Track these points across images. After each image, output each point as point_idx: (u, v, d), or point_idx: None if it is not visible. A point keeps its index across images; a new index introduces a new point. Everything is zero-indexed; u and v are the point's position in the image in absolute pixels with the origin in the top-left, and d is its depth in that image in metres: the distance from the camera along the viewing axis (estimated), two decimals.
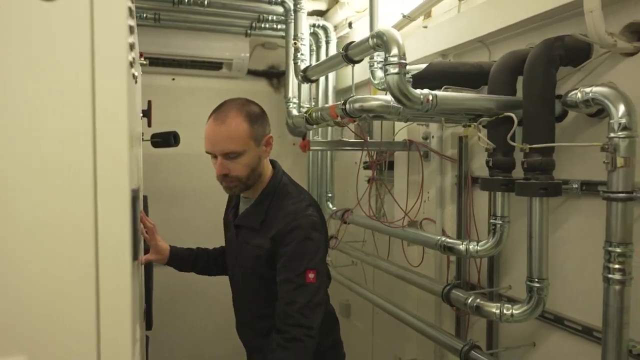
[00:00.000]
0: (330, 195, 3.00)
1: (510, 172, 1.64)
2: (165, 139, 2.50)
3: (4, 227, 0.64)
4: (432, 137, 2.24)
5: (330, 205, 2.97)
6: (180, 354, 3.49)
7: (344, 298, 3.25)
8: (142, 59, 2.45)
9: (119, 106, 0.71)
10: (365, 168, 2.70)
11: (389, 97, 1.61)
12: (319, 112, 2.00)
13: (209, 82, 3.61)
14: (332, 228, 2.90)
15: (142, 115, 2.41)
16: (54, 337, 0.68)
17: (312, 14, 3.05)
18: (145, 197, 2.45)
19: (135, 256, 0.79)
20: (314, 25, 2.86)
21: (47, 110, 0.66)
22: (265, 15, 2.82)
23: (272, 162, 1.67)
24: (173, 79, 3.54)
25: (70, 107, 0.68)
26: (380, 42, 1.50)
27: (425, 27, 2.28)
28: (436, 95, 1.47)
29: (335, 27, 3.04)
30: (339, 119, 1.83)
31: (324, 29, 2.90)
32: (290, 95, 2.50)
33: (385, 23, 2.25)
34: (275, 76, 3.74)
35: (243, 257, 1.62)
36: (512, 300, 1.76)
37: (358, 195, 2.55)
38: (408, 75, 1.79)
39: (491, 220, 1.68)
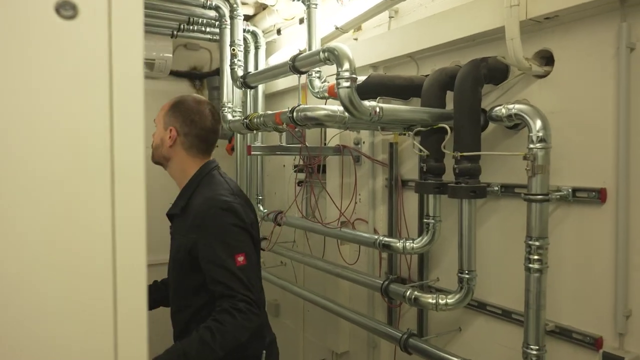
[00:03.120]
0: (260, 197, 3.05)
1: (441, 176, 1.83)
2: None
3: (17, 226, 0.65)
4: (363, 142, 2.40)
5: (262, 208, 3.03)
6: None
7: (272, 298, 3.32)
8: None
9: (137, 116, 0.74)
10: (298, 171, 2.81)
11: (334, 107, 1.73)
12: (261, 119, 2.06)
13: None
14: (265, 230, 2.97)
15: None
16: (70, 335, 0.69)
17: None
18: None
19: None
20: (244, 31, 2.89)
21: (66, 116, 0.67)
22: (195, 18, 2.80)
23: (210, 162, 1.69)
24: None
25: (88, 110, 0.69)
26: (332, 56, 1.61)
27: (356, 39, 2.43)
28: (382, 108, 1.61)
29: (264, 32, 3.10)
30: (283, 125, 1.91)
31: (254, 34, 2.95)
32: (225, 99, 2.52)
33: (318, 33, 2.36)
34: (197, 77, 3.70)
35: (172, 248, 1.65)
36: (442, 291, 1.97)
37: (290, 198, 2.65)
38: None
39: (425, 220, 1.87)
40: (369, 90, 1.92)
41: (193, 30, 2.91)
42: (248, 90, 2.60)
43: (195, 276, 1.54)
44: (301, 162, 2.68)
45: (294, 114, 1.77)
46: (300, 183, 2.84)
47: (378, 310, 2.42)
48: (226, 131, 2.53)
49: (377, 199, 2.38)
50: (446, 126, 1.70)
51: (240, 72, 2.37)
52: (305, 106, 1.77)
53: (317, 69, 2.15)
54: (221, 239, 1.49)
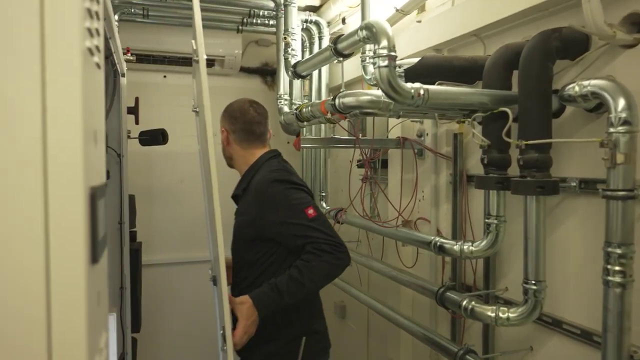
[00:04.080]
0: (324, 194, 2.94)
1: (506, 169, 1.58)
2: (154, 137, 2.44)
3: None
4: (427, 134, 2.18)
5: (324, 205, 2.91)
6: (167, 356, 3.43)
7: (339, 299, 3.19)
8: (129, 54, 2.40)
9: (72, 96, 0.65)
10: (359, 167, 2.64)
11: (379, 92, 1.55)
12: (310, 109, 1.94)
13: None
14: None
15: (128, 112, 2.35)
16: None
17: (305, 9, 2.99)
18: (132, 197, 2.39)
19: (94, 259, 0.73)
20: (306, 21, 2.80)
21: None
22: (256, 10, 2.76)
23: (270, 151, 1.81)
24: (165, 77, 3.48)
25: (17, 98, 0.61)
26: (370, 34, 1.44)
27: (419, 21, 2.22)
28: (427, 90, 1.41)
29: (329, 23, 2.98)
30: (328, 115, 1.77)
31: (317, 24, 2.84)
32: (281, 91, 2.44)
33: (377, 17, 2.18)
34: (269, 73, 3.68)
35: (234, 227, 1.77)
36: (508, 303, 1.70)
37: (351, 194, 2.49)
38: (400, 70, 1.73)
39: (486, 220, 1.62)
40: (422, 73, 1.71)
41: (256, 24, 2.87)
42: (303, 81, 2.48)
43: (253, 250, 1.68)
44: (363, 157, 2.51)
45: (336, 100, 1.63)
46: (363, 179, 2.67)
47: (442, 320, 2.18)
48: (284, 124, 2.44)
49: (440, 197, 2.14)
50: (507, 110, 1.45)
51: (294, 62, 2.26)
52: (348, 92, 1.62)
53: (372, 53, 1.97)
54: (286, 203, 1.60)
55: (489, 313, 1.52)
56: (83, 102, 0.67)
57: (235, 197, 1.81)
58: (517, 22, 1.70)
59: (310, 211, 1.58)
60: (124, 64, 2.01)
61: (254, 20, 2.85)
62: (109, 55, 1.57)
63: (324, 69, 2.77)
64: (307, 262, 1.51)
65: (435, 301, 1.80)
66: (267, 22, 2.87)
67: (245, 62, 3.60)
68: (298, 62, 2.19)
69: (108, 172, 2.04)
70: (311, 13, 2.91)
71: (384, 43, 1.38)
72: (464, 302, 1.62)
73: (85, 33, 0.70)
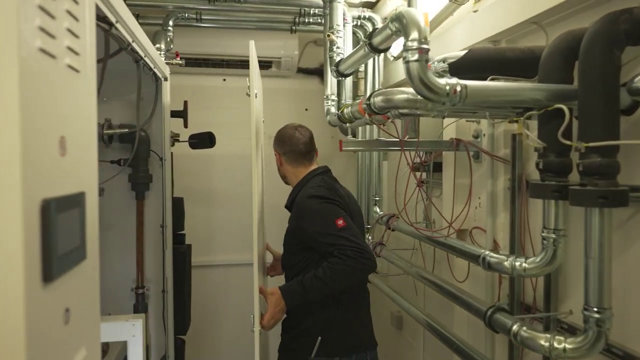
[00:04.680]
0: (377, 198, 2.79)
1: (566, 176, 1.36)
2: (202, 140, 2.45)
3: None
4: (483, 135, 1.97)
5: (378, 210, 2.76)
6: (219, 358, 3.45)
7: (395, 309, 3.03)
8: (178, 58, 2.42)
9: (7, 101, 0.59)
10: (413, 170, 2.47)
11: None
12: (350, 109, 1.82)
13: (261, 82, 3.55)
14: (380, 234, 2.70)
15: (177, 115, 2.37)
16: None
17: (361, 5, 2.87)
18: (180, 199, 2.41)
19: (47, 278, 0.67)
20: (359, 18, 2.68)
21: None
22: (306, 9, 2.68)
23: (317, 168, 2.08)
24: (224, 80, 3.51)
25: None
26: (400, 25, 1.30)
27: (476, 11, 2.01)
28: (465, 86, 1.24)
29: (385, 19, 2.83)
30: (366, 116, 1.64)
31: (370, 20, 2.71)
32: (328, 92, 2.34)
33: (429, 9, 2.02)
34: None
35: (285, 233, 2.04)
36: (570, 329, 1.48)
37: (405, 199, 2.34)
38: (443, 65, 1.57)
39: (542, 234, 1.41)
40: (469, 67, 1.53)
41: (309, 23, 2.80)
42: (358, 80, 2.34)
43: (294, 255, 1.97)
44: (417, 160, 2.35)
45: (371, 100, 1.50)
46: (418, 184, 2.50)
47: (500, 343, 1.96)
48: (333, 125, 2.33)
49: (497, 204, 1.93)
50: (563, 107, 1.24)
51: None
52: (383, 90, 1.48)
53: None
54: (319, 215, 1.84)
55: (542, 342, 1.31)
56: (24, 107, 0.62)
57: (288, 208, 2.08)
58: (585, 4, 1.47)
59: (340, 222, 1.79)
60: (166, 68, 2.02)
61: (306, 20, 2.77)
62: (138, 60, 1.56)
63: (379, 68, 2.63)
64: (332, 264, 1.73)
65: (484, 322, 1.60)
66: (319, 20, 2.78)
67: (304, 63, 3.55)
68: (340, 60, 2.07)
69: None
70: (365, 9, 2.78)
71: (414, 35, 1.23)
72: (514, 327, 1.42)
73: (35, 32, 0.64)
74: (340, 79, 2.22)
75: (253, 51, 1.79)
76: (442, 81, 1.24)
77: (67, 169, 0.77)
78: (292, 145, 2.04)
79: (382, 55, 2.59)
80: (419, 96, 1.38)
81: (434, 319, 2.12)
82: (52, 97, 0.72)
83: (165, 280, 2.06)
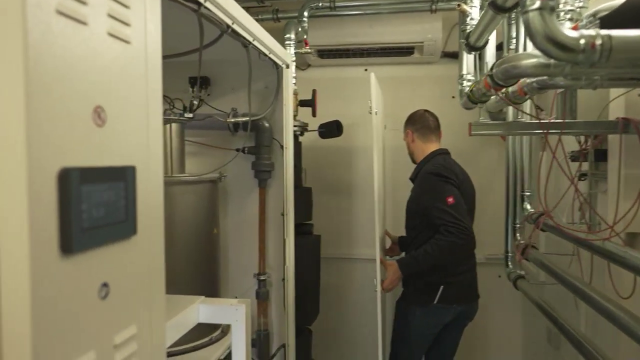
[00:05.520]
0: (528, 193, 2.41)
1: None
2: (329, 129, 2.40)
3: None
4: None
5: (528, 206, 2.39)
6: (339, 351, 3.36)
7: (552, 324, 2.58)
8: (307, 47, 2.40)
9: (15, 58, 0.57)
10: (573, 160, 2.06)
11: None
12: (478, 86, 1.57)
13: (402, 70, 3.38)
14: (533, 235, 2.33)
15: (305, 104, 2.36)
16: None
17: None
18: (308, 189, 2.40)
19: (66, 249, 0.65)
20: None
21: None
22: None
23: (440, 149, 2.39)
24: (365, 70, 3.42)
25: None
26: None
27: None
28: (609, 37, 0.93)
29: None
30: (492, 90, 1.39)
31: None
32: (464, 71, 2.07)
33: None
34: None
35: (407, 201, 2.42)
36: None
37: (559, 194, 1.96)
38: (594, 21, 1.24)
39: None
40: (629, 20, 1.17)
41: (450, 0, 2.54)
42: (486, 56, 2.02)
43: (413, 220, 2.35)
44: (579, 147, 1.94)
45: (494, 70, 1.25)
46: (582, 176, 2.08)
47: None
48: (468, 106, 2.06)
49: None
50: None
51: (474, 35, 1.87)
52: (509, 56, 1.22)
53: (568, 7, 1.47)
54: (433, 190, 2.16)
55: None
56: (34, 69, 0.59)
57: (412, 180, 2.42)
58: None
59: (450, 199, 2.09)
60: (287, 55, 2.00)
61: None
62: (246, 44, 1.55)
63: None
64: (437, 241, 2.09)
65: None
66: None
67: (451, 46, 3.26)
68: (470, 32, 1.80)
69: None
70: None
71: None
72: None
73: None
74: (473, 53, 1.95)
75: (373, 80, 2.27)
76: (575, 33, 0.95)
77: (106, 141, 0.75)
78: (424, 122, 2.40)
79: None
80: (551, 59, 1.10)
81: (592, 343, 1.73)
82: (83, 64, 0.70)
83: (285, 268, 2.05)
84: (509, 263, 2.62)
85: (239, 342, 1.52)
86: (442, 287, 2.22)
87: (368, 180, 3.29)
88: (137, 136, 0.85)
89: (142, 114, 0.86)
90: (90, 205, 0.71)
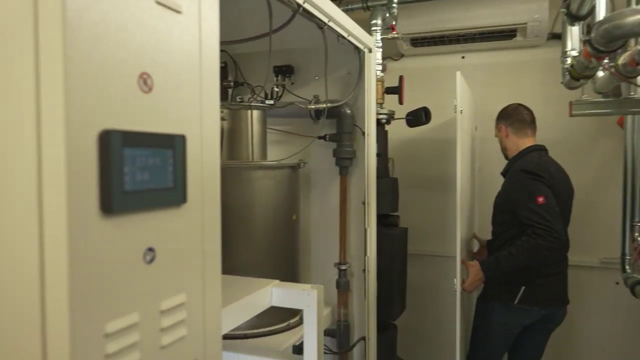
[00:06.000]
0: None
1: None
2: (416, 116, 2.29)
3: None
4: None
5: None
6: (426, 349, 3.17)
7: None
8: (395, 32, 2.32)
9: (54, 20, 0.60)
10: None
11: None
12: (579, 58, 1.39)
13: (502, 55, 3.13)
14: None
15: (391, 92, 2.28)
16: None
17: None
18: (393, 180, 2.32)
19: (107, 209, 0.67)
20: None
21: None
22: None
23: (535, 145, 2.29)
24: (463, 57, 3.24)
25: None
26: None
27: None
28: None
29: None
30: (593, 60, 1.21)
31: None
32: (568, 47, 1.84)
33: None
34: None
35: (496, 197, 2.36)
36: None
37: None
38: None
39: None
40: None
41: None
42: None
43: (500, 216, 2.28)
44: None
45: (592, 33, 1.09)
46: None
47: None
48: (571, 86, 1.83)
49: None
50: None
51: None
52: (609, 15, 1.06)
53: None
54: (524, 188, 2.09)
55: None
56: (67, 30, 0.61)
57: (503, 175, 2.35)
58: None
59: (540, 199, 2.01)
60: (370, 40, 1.93)
61: None
62: (322, 26, 1.52)
63: None
64: (523, 243, 2.01)
65: None
66: None
67: (559, 27, 2.95)
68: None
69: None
70: None
71: None
72: None
73: None
74: (577, 25, 1.72)
75: (459, 78, 2.18)
76: None
77: (152, 108, 0.76)
78: (518, 115, 2.31)
79: None
80: None
81: None
82: (126, 31, 0.71)
83: (366, 259, 1.99)
84: (627, 267, 2.30)
85: (311, 328, 1.50)
86: (523, 288, 2.15)
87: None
88: (187, 106, 0.85)
89: (193, 86, 0.86)
90: (133, 169, 0.72)
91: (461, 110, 2.16)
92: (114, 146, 0.68)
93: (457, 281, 2.15)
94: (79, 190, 0.64)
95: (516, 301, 2.15)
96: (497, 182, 2.38)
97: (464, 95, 2.37)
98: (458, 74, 2.18)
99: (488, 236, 2.50)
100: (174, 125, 0.82)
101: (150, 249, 0.77)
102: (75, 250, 0.63)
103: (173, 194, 0.81)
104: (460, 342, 2.16)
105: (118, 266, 0.71)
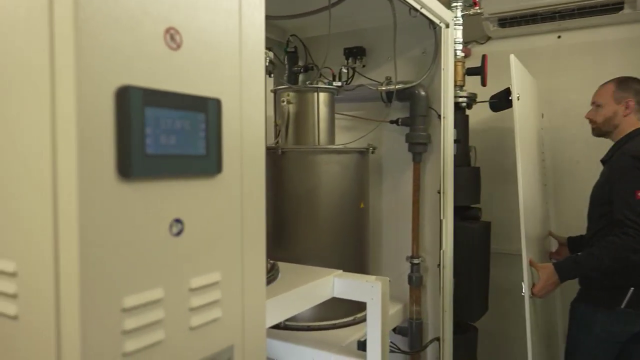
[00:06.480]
0: None
1: None
2: (500, 99, 2.09)
3: None
4: None
5: None
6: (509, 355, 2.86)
7: None
8: (477, 7, 2.13)
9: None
10: None
11: None
12: None
13: (605, 32, 2.77)
14: None
15: (473, 73, 2.09)
16: None
17: None
18: (475, 169, 2.14)
19: (124, 172, 0.61)
20: None
21: None
22: None
23: None
24: (559, 37, 2.92)
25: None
26: None
27: None
28: None
29: None
30: None
31: None
32: None
33: None
34: None
35: (594, 186, 2.04)
36: None
37: None
38: None
39: None
40: None
41: None
42: None
43: (598, 207, 1.97)
44: None
45: None
46: None
47: None
48: None
49: None
50: None
51: None
52: None
53: None
54: (627, 177, 1.81)
55: None
56: None
57: (603, 162, 2.05)
58: None
59: None
60: (447, 13, 1.77)
61: None
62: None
63: None
64: (610, 242, 1.76)
65: None
66: None
67: None
68: None
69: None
70: None
71: None
72: None
73: None
74: None
75: (513, 61, 1.93)
76: None
77: (180, 66, 0.69)
78: None
79: None
80: None
81: None
82: None
83: (441, 253, 1.83)
84: None
85: (375, 323, 1.38)
86: (632, 290, 1.86)
87: (557, 170, 2.80)
88: (224, 68, 0.78)
89: (231, 46, 0.79)
90: (156, 131, 0.66)
91: (518, 97, 1.92)
92: (134, 104, 0.63)
93: (525, 285, 1.90)
94: (93, 151, 0.59)
95: (623, 305, 1.86)
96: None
97: (525, 80, 2.14)
98: (512, 56, 1.94)
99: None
100: (207, 88, 0.75)
101: (178, 221, 0.71)
102: (88, 214, 0.58)
103: (205, 162, 0.74)
104: (532, 351, 1.90)
105: (138, 235, 0.65)
